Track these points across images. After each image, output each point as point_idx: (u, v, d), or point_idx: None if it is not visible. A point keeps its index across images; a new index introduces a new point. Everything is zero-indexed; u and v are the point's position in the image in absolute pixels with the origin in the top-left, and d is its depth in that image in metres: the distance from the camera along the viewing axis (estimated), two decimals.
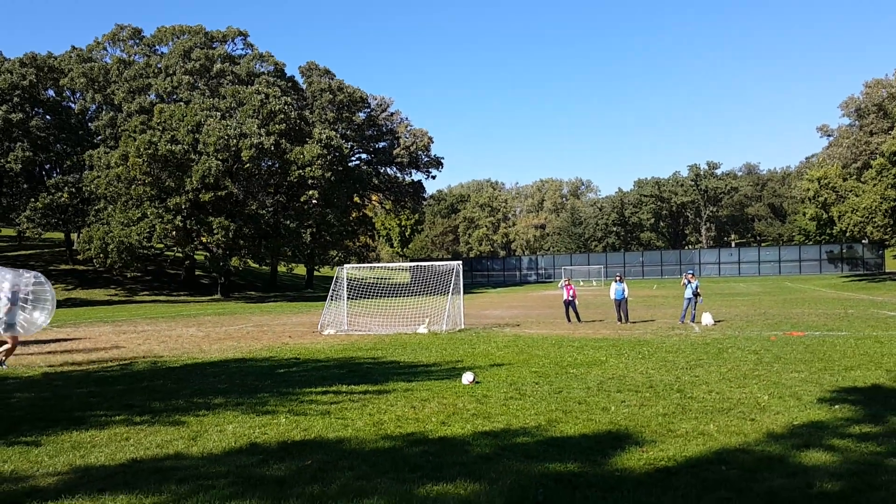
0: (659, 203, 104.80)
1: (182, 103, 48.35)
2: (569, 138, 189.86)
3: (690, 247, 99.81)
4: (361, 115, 64.60)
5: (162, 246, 49.68)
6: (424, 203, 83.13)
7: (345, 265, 24.76)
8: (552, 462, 6.23)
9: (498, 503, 5.17)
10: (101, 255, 44.17)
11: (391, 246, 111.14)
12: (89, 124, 54.52)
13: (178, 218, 43.78)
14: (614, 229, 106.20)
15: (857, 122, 48.78)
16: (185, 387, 11.21)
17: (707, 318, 20.54)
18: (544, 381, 10.99)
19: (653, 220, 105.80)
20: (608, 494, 5.30)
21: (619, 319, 22.15)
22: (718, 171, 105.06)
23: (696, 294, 21.34)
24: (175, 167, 43.85)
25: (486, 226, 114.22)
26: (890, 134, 43.69)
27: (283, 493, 5.53)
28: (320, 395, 10.11)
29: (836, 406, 8.27)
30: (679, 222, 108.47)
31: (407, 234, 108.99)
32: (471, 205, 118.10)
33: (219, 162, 43.45)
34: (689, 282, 21.53)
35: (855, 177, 47.08)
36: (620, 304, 22.25)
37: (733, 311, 25.91)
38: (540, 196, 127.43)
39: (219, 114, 46.84)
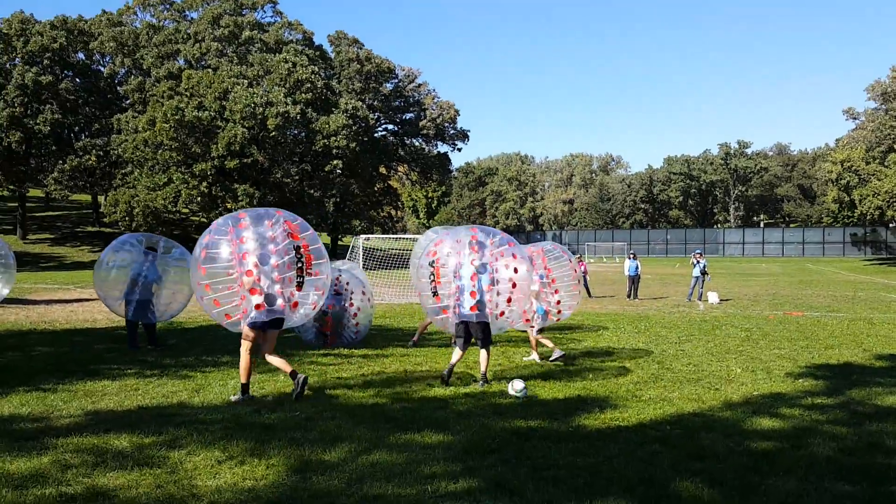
0: (688, 181, 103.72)
1: (210, 70, 49.00)
2: (600, 112, 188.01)
3: (718, 226, 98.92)
4: (388, 86, 64.72)
5: (187, 211, 50.71)
6: (451, 175, 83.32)
7: (360, 235, 25.34)
8: (517, 419, 6.75)
9: (457, 449, 5.72)
10: (127, 219, 45.25)
11: (417, 217, 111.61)
12: (118, 88, 55.47)
13: (204, 184, 44.65)
14: (642, 206, 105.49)
15: (882, 106, 47.95)
16: (196, 346, 11.88)
17: (713, 297, 20.89)
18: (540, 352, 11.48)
19: (681, 198, 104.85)
20: (555, 445, 5.83)
21: (629, 295, 22.56)
22: (749, 151, 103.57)
23: (703, 273, 21.69)
24: (202, 133, 44.65)
25: (513, 199, 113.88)
26: None
27: (268, 436, 6.13)
28: (322, 357, 10.70)
29: (801, 380, 8.69)
30: (708, 201, 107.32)
31: (433, 205, 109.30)
32: (499, 178, 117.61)
33: (245, 129, 44.13)
34: (698, 261, 21.87)
35: (878, 160, 46.45)
36: (633, 280, 22.71)
37: (745, 290, 26.11)
38: (569, 171, 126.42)
39: (246, 81, 47.43)
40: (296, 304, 7.65)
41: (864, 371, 9.34)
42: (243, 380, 7.73)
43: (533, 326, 10.33)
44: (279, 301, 7.53)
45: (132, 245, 12.00)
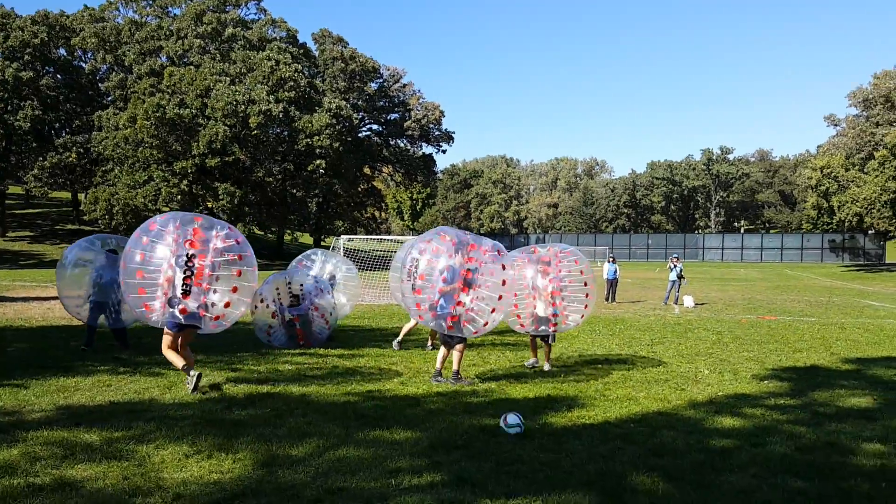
0: (670, 186, 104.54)
1: (192, 67, 48.78)
2: (586, 117, 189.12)
3: (699, 231, 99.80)
4: (373, 86, 64.71)
5: (168, 210, 50.44)
6: (436, 177, 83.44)
7: (342, 236, 25.37)
8: (487, 417, 6.85)
9: (423, 445, 5.81)
10: (107, 217, 44.91)
11: (402, 219, 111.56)
12: (99, 85, 55.04)
13: (185, 182, 44.44)
14: (625, 211, 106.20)
15: (863, 113, 48.60)
16: None
17: (688, 301, 21.16)
18: (511, 351, 11.59)
19: (664, 203, 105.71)
20: (521, 441, 5.95)
21: (607, 299, 22.74)
22: (731, 157, 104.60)
23: (680, 277, 21.94)
24: (183, 131, 44.44)
25: (498, 202, 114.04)
26: (894, 126, 43.70)
27: (237, 431, 6.18)
28: (297, 356, 10.72)
29: (766, 381, 8.86)
30: (689, 206, 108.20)
31: (418, 207, 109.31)
32: (484, 180, 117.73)
33: (226, 127, 43.98)
34: (674, 265, 22.14)
35: (858, 167, 47.14)
36: (611, 283, 22.93)
37: (721, 295, 26.39)
38: (554, 174, 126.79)
39: (228, 79, 47.28)
40: (182, 309, 7.82)
41: (830, 374, 9.52)
42: (180, 366, 8.02)
43: (555, 330, 9.76)
44: (180, 306, 7.77)
45: (92, 245, 11.59)
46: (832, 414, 7.11)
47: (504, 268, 8.51)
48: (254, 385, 8.38)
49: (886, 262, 62.53)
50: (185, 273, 7.70)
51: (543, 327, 9.64)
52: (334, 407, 7.28)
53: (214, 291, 7.86)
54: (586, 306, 9.80)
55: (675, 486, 4.87)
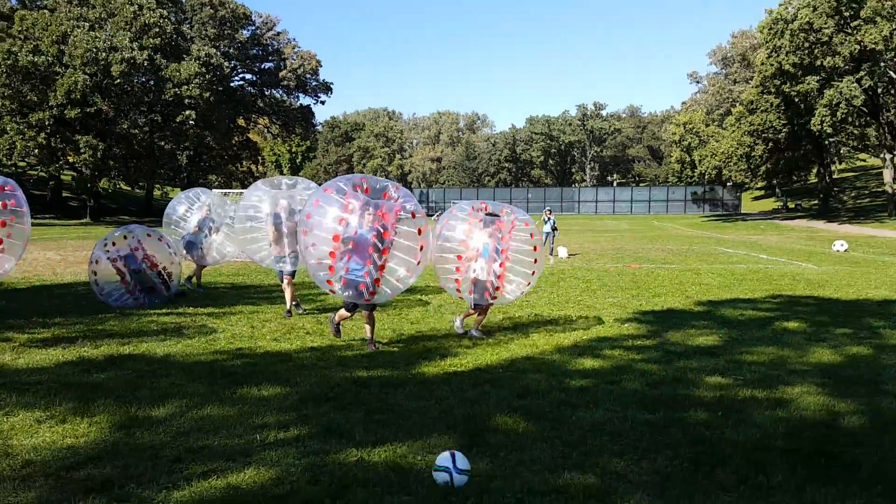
0: (548, 141, 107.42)
1: (46, 11, 44.93)
2: (468, 71, 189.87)
3: (576, 185, 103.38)
4: (245, 33, 62.07)
5: (25, 164, 46.74)
6: (315, 129, 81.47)
7: (213, 190, 24.40)
8: (360, 370, 6.88)
9: (292, 399, 5.77)
10: None
11: (281, 173, 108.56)
12: None
13: (42, 135, 41.24)
14: (506, 165, 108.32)
15: (723, 71, 51.59)
16: (26, 308, 11.08)
17: (562, 252, 22.00)
18: (390, 305, 11.60)
19: (542, 158, 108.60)
20: (392, 390, 6.05)
21: None
22: (604, 112, 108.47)
23: (553, 229, 22.68)
24: (38, 80, 41.07)
25: (381, 156, 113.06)
26: (750, 83, 46.69)
27: (95, 395, 5.90)
28: (163, 316, 10.30)
29: (626, 324, 9.42)
30: (566, 161, 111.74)
31: (298, 161, 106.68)
32: (366, 134, 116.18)
33: (86, 76, 41.01)
34: (548, 218, 22.83)
35: (717, 123, 50.21)
36: None
37: (593, 245, 27.60)
38: (437, 128, 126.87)
39: (87, 24, 43.90)
40: None
41: (683, 315, 10.23)
42: None
43: (493, 302, 8.72)
44: None
45: None
46: (682, 352, 7.65)
47: (420, 232, 7.53)
48: (115, 346, 8.01)
49: (742, 212, 67.25)
50: None
51: (479, 295, 8.48)
52: (200, 366, 7.08)
53: None
54: (533, 272, 8.69)
55: (535, 423, 5.12)
